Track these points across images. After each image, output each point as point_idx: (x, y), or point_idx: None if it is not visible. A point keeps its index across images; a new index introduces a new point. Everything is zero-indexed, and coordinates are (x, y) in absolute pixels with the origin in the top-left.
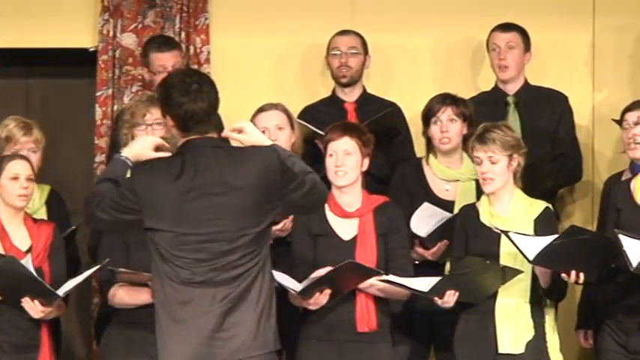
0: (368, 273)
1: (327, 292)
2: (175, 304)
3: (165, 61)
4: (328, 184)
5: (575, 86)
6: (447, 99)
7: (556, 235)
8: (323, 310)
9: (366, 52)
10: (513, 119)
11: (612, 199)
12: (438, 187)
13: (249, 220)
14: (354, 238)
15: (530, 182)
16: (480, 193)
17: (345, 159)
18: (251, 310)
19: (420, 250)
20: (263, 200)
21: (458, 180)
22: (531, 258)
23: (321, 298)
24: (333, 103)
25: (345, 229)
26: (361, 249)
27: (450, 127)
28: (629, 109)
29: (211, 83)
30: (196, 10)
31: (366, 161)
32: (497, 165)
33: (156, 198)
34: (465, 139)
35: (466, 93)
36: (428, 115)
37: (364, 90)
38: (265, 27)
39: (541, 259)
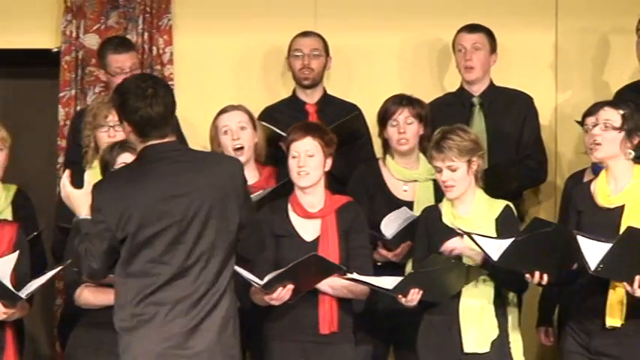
0: (331, 268)
1: (290, 287)
2: (138, 311)
3: (123, 62)
4: (292, 185)
5: (538, 87)
6: (403, 100)
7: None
8: (286, 311)
9: (327, 53)
10: (478, 120)
11: (573, 201)
12: (396, 187)
13: (214, 222)
14: (317, 239)
15: (495, 183)
16: (438, 193)
17: (308, 160)
18: (218, 318)
19: (383, 251)
20: (227, 203)
21: (416, 180)
22: (495, 259)
23: (284, 294)
24: (294, 104)
25: (307, 229)
26: (324, 250)
27: (407, 128)
28: (589, 111)
29: (167, 87)
30: (159, 11)
31: (329, 161)
32: (458, 172)
33: (122, 208)
34: (422, 140)
35: (432, 94)
36: (384, 117)
37: (325, 92)
38: (228, 28)
39: (505, 259)
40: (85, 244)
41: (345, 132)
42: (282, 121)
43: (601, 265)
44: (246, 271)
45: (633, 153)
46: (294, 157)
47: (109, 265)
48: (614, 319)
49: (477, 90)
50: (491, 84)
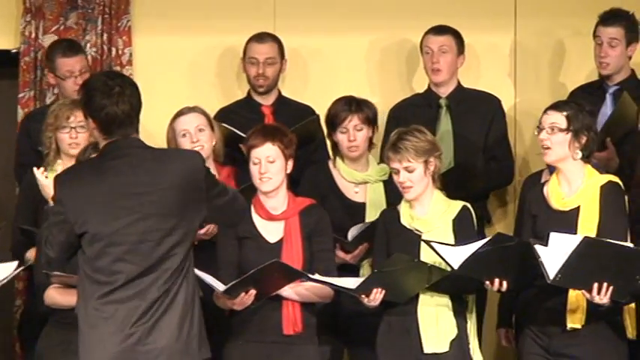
0: (293, 274)
1: (253, 292)
2: (99, 308)
3: (73, 66)
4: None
5: (498, 88)
6: (352, 105)
7: (480, 244)
8: (250, 312)
9: (282, 57)
10: (445, 122)
11: (527, 206)
12: (348, 189)
13: (176, 220)
14: (280, 241)
15: (460, 183)
16: (388, 194)
17: (269, 166)
18: (176, 316)
19: (341, 253)
20: (188, 201)
21: (366, 182)
22: (456, 267)
23: (246, 299)
24: (249, 105)
25: (270, 231)
26: (287, 251)
27: (357, 135)
28: (541, 117)
29: (134, 86)
30: (118, 11)
31: (290, 163)
32: (415, 173)
33: (81, 202)
34: (371, 141)
35: (399, 95)
36: (333, 122)
37: (280, 93)
38: (187, 29)
39: (465, 267)
40: (46, 232)
41: (303, 135)
42: (238, 122)
43: (559, 275)
44: (208, 276)
45: (581, 153)
46: (255, 164)
47: (65, 256)
48: (574, 321)
49: (445, 91)
50: (459, 85)
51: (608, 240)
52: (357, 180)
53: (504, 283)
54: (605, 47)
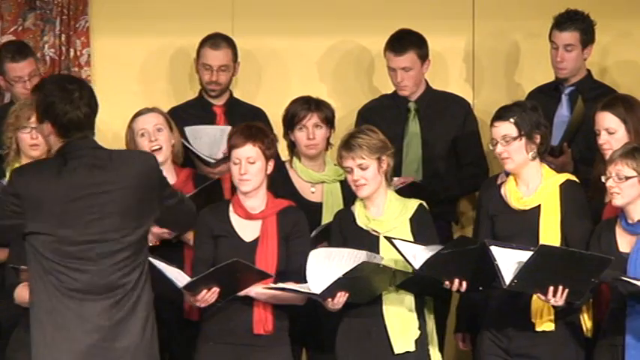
0: (256, 274)
1: (215, 290)
2: (57, 312)
3: (22, 70)
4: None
5: (455, 90)
6: (311, 104)
7: (441, 247)
8: (221, 312)
9: (236, 60)
10: (413, 125)
11: (484, 207)
12: (304, 189)
13: (133, 220)
14: (256, 240)
15: (434, 192)
16: (345, 194)
17: (249, 167)
18: (141, 316)
19: None
20: (144, 201)
21: (323, 182)
22: (417, 267)
23: (208, 296)
24: (201, 105)
25: (247, 230)
26: (262, 251)
27: (316, 133)
28: (491, 129)
29: (90, 88)
30: (76, 12)
31: (271, 164)
32: (368, 170)
33: (39, 199)
34: (329, 141)
35: (356, 97)
36: (292, 121)
37: (231, 94)
38: (146, 29)
39: (426, 268)
40: None
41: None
42: (191, 122)
43: (515, 281)
44: (173, 269)
45: (537, 154)
46: (235, 164)
47: None
48: (539, 322)
49: (413, 95)
50: (428, 88)
51: (563, 247)
52: (314, 180)
53: (464, 284)
54: (562, 52)
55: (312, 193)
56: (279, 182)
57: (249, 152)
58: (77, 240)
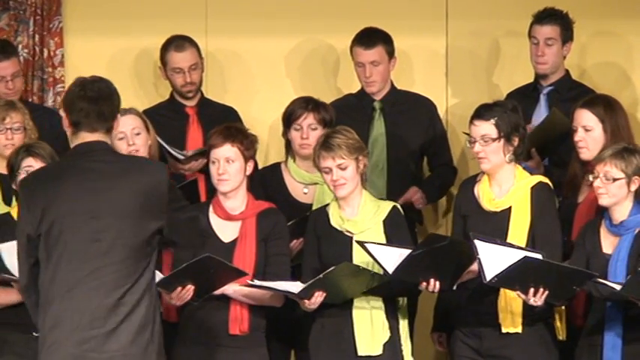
0: (230, 272)
1: (190, 287)
2: (55, 309)
3: (5, 70)
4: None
5: (430, 91)
6: (309, 104)
7: (411, 248)
8: (197, 313)
9: (201, 56)
10: (378, 124)
11: (457, 207)
12: (296, 190)
13: (132, 225)
14: (234, 241)
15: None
16: None
17: (227, 166)
18: (135, 324)
19: None
20: (147, 209)
21: (316, 183)
22: (390, 270)
23: (183, 293)
24: (173, 107)
25: (226, 231)
26: (240, 252)
27: (310, 134)
28: (470, 127)
29: (113, 93)
30: (50, 13)
31: (250, 165)
32: (347, 170)
33: (43, 202)
34: None
35: (327, 96)
36: (289, 119)
37: (202, 94)
38: (119, 30)
39: (400, 271)
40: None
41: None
42: (164, 123)
43: (495, 279)
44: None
45: (509, 156)
46: (214, 163)
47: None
48: (508, 325)
49: (379, 94)
50: (393, 88)
51: (548, 260)
52: (307, 180)
53: (437, 284)
54: (542, 46)
55: (305, 194)
56: (271, 183)
57: (227, 152)
58: (75, 239)
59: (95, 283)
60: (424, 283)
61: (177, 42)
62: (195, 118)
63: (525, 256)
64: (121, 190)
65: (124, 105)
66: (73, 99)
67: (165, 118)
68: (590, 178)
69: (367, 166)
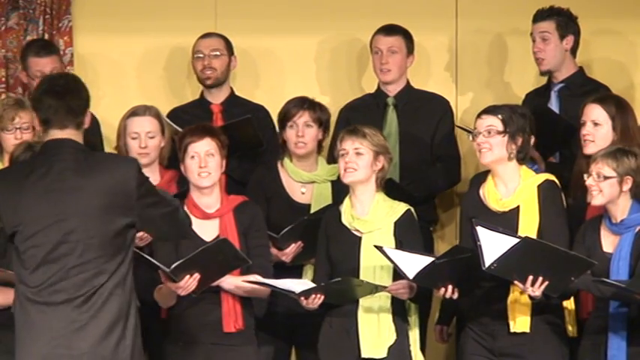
0: (236, 258)
1: (197, 276)
2: (28, 309)
3: (44, 66)
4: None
5: (439, 89)
6: (304, 103)
7: (431, 254)
8: (189, 312)
9: (231, 53)
10: (391, 121)
11: (464, 210)
12: (294, 190)
13: (98, 223)
14: (216, 239)
15: (405, 188)
16: (335, 193)
17: (208, 160)
18: (105, 322)
19: (274, 250)
20: (114, 206)
21: (314, 182)
22: (410, 277)
23: (190, 282)
24: (200, 104)
25: (206, 230)
26: None
27: (305, 132)
28: (475, 121)
29: (80, 89)
30: (59, 12)
31: (224, 162)
32: (362, 157)
33: (12, 200)
34: (321, 144)
35: (349, 95)
36: (284, 119)
37: (232, 92)
38: (129, 29)
39: (421, 278)
40: None
41: (237, 134)
42: (187, 120)
43: (494, 265)
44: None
45: (511, 154)
46: (193, 158)
47: None
48: (518, 323)
49: (393, 91)
50: (408, 85)
51: (548, 243)
52: (304, 180)
53: (456, 291)
54: (538, 42)
55: (302, 194)
56: (269, 183)
57: (207, 146)
58: (42, 241)
59: (64, 284)
60: (442, 289)
61: (208, 33)
62: (219, 117)
63: (526, 236)
64: (86, 190)
65: (132, 103)
66: (40, 96)
67: (188, 115)
68: (585, 177)
69: (386, 170)
